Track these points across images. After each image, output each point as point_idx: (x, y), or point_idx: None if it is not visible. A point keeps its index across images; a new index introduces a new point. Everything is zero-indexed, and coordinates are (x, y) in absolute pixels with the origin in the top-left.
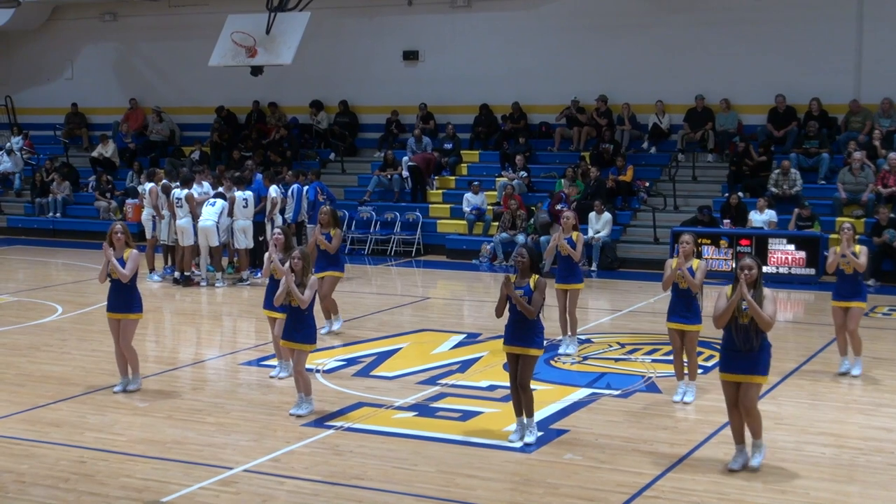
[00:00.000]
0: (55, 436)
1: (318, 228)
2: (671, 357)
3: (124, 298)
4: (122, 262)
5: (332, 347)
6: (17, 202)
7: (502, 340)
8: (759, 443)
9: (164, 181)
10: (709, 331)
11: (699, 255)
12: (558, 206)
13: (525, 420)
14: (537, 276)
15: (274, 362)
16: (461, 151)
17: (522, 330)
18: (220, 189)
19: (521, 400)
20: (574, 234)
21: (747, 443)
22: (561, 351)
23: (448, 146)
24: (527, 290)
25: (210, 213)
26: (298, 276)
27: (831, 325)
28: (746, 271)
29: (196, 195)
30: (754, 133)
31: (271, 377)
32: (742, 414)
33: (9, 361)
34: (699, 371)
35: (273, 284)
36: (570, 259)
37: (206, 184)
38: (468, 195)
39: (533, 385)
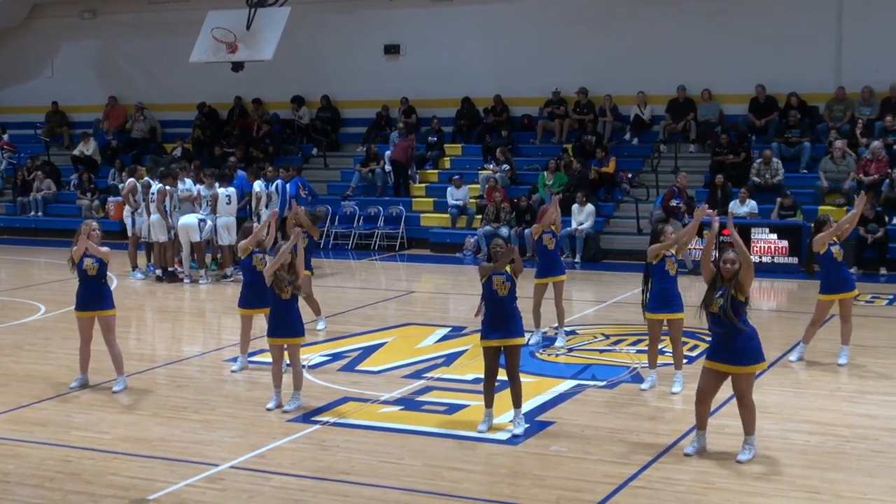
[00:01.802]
0: (40, 435)
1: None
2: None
3: (96, 295)
4: (94, 257)
5: (317, 343)
6: None
7: (480, 335)
8: (750, 440)
9: (145, 178)
10: (693, 321)
11: None
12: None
13: (513, 411)
14: (511, 264)
15: (259, 358)
16: (444, 145)
17: (502, 321)
18: (202, 188)
19: (510, 391)
20: (553, 227)
21: (738, 433)
22: (533, 341)
23: (432, 139)
24: (506, 275)
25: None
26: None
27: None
28: (729, 265)
29: (178, 192)
30: (735, 123)
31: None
32: (737, 405)
33: None
34: (684, 361)
35: (247, 283)
36: (552, 252)
37: (188, 181)
38: (450, 189)
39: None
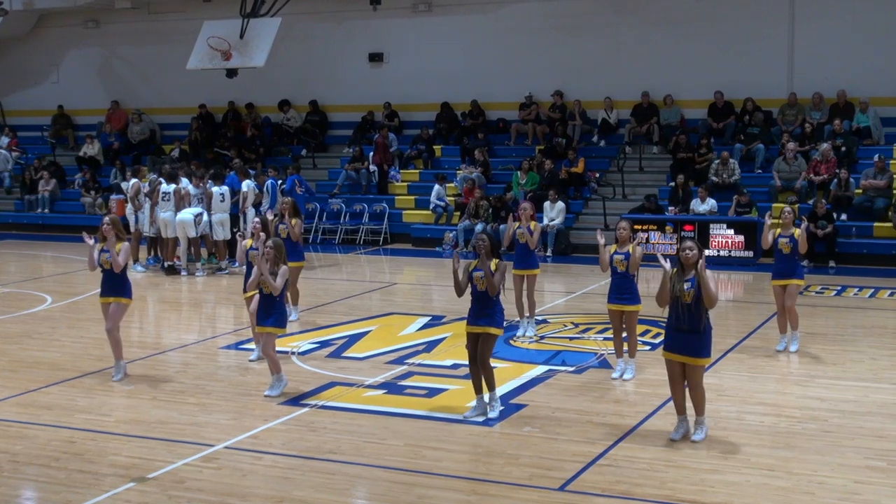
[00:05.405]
0: (47, 418)
1: (277, 218)
2: None
3: (116, 284)
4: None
5: (307, 331)
6: (8, 199)
7: (465, 322)
8: (701, 420)
9: (150, 176)
10: (654, 310)
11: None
12: None
13: (486, 396)
14: (497, 259)
15: (252, 346)
16: (432, 147)
17: (484, 310)
18: (190, 185)
19: (482, 377)
20: (532, 224)
21: (689, 416)
22: (520, 333)
23: (421, 146)
24: (486, 272)
25: (188, 208)
26: (271, 264)
27: (769, 303)
28: (687, 252)
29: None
30: (696, 126)
31: (251, 361)
32: (688, 390)
33: (1, 349)
34: (646, 348)
35: (251, 269)
36: (527, 246)
37: (184, 180)
38: (437, 187)
39: (493, 363)
